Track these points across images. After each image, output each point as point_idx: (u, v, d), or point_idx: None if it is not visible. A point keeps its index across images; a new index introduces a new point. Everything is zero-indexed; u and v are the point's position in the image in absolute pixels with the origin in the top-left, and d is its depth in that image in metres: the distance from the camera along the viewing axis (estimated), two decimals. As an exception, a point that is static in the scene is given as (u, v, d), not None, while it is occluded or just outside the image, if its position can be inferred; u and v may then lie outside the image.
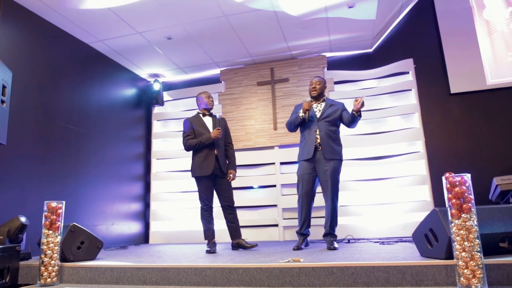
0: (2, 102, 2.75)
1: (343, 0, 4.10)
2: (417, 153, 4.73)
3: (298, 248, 3.20)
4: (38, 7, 3.82)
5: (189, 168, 5.50)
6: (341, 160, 3.39)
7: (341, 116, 3.44)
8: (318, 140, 3.34)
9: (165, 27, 4.43)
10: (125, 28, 4.39)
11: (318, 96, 3.50)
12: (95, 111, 4.68)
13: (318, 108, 3.46)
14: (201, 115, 3.67)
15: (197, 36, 4.70)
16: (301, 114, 3.39)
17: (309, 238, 3.49)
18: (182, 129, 5.69)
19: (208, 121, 3.63)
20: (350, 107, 5.02)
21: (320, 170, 3.33)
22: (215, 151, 3.50)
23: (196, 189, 5.53)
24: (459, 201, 1.86)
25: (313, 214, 3.51)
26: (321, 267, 2.10)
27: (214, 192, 3.57)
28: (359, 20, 4.50)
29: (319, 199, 3.53)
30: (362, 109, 3.22)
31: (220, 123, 3.63)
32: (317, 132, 3.35)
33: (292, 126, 3.51)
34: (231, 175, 3.57)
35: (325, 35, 4.83)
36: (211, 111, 3.71)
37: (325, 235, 3.31)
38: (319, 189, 3.43)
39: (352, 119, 3.33)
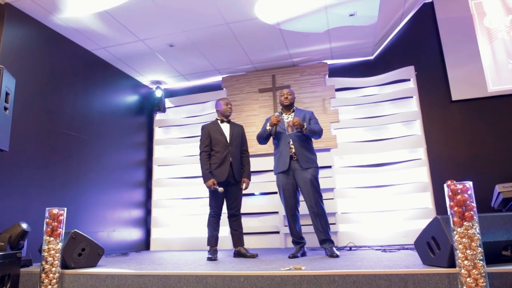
0: (5, 109, 2.77)
1: (344, 8, 4.12)
2: (419, 160, 4.72)
3: (293, 256, 3.17)
4: (42, 14, 3.85)
5: (190, 175, 5.60)
6: (317, 167, 3.42)
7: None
8: (293, 150, 3.37)
9: (167, 34, 4.46)
10: (127, 36, 4.42)
11: (289, 106, 3.59)
12: (97, 118, 4.70)
13: (288, 120, 3.47)
14: (219, 121, 3.72)
15: (199, 44, 4.73)
16: (268, 127, 3.47)
17: (310, 246, 3.47)
18: (183, 136, 5.82)
19: (225, 128, 3.68)
20: (351, 114, 5.10)
21: (299, 179, 3.34)
22: (230, 159, 3.53)
23: (198, 196, 5.54)
24: (461, 209, 1.86)
25: (306, 222, 3.48)
26: (323, 275, 2.09)
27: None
28: (360, 28, 4.52)
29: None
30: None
31: (235, 130, 3.69)
32: (291, 143, 3.39)
33: (261, 139, 3.57)
34: (244, 184, 3.61)
35: (326, 42, 4.86)
36: (229, 118, 3.77)
37: (322, 242, 3.25)
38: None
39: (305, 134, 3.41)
